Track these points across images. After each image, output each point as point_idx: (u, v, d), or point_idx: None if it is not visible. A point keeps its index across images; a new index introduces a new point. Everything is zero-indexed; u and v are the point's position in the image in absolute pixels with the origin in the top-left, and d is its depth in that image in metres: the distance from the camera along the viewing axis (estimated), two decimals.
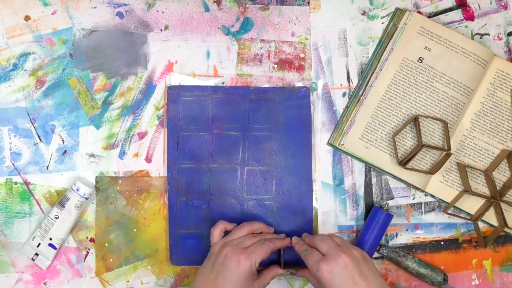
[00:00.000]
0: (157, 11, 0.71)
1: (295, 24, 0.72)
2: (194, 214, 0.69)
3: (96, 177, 0.69)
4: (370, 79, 0.70)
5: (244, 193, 0.70)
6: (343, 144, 0.70)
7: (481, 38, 0.72)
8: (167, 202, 0.69)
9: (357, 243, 0.68)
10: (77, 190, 0.66)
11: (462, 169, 0.69)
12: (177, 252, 0.69)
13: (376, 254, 0.70)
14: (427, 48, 0.70)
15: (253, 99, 0.70)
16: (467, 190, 0.69)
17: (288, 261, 0.68)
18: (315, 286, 0.65)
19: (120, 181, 0.69)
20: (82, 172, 0.70)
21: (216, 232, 0.65)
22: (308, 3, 0.72)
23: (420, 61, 0.70)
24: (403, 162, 0.68)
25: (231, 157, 0.70)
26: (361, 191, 0.71)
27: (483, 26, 0.72)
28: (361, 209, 0.71)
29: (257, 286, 0.63)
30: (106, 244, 0.69)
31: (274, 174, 0.70)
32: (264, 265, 0.66)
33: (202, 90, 0.70)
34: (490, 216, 0.70)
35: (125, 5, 0.71)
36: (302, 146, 0.70)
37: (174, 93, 0.70)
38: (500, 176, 0.70)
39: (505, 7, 0.73)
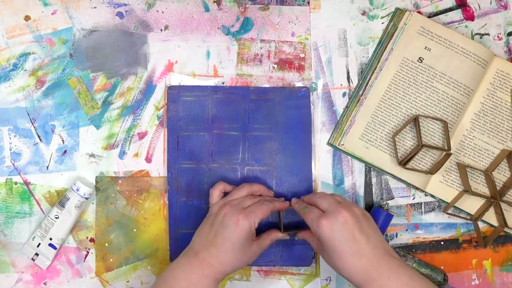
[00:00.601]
0: (157, 11, 0.71)
1: (295, 24, 0.72)
2: (194, 214, 0.69)
3: (96, 177, 0.69)
4: (370, 79, 0.70)
5: None
6: (343, 144, 0.70)
7: (481, 38, 0.72)
8: (167, 202, 0.69)
9: None
10: (77, 190, 0.66)
11: (462, 169, 0.69)
12: (177, 252, 0.68)
13: None
14: (427, 48, 0.70)
15: (253, 99, 0.70)
16: (467, 190, 0.69)
17: (287, 225, 0.67)
18: (316, 247, 0.63)
19: (120, 181, 0.69)
20: (82, 172, 0.70)
21: (215, 193, 0.65)
22: (308, 3, 0.72)
23: (420, 61, 0.70)
24: (403, 162, 0.68)
25: (231, 157, 0.70)
26: (361, 191, 0.71)
27: (483, 26, 0.72)
28: None
29: (255, 247, 0.61)
30: (106, 244, 0.69)
31: (274, 174, 0.70)
32: (263, 229, 0.65)
33: (202, 90, 0.70)
34: (490, 216, 0.70)
35: (125, 5, 0.71)
36: (302, 146, 0.70)
37: (174, 93, 0.70)
38: (500, 176, 0.70)
39: (505, 7, 0.73)
